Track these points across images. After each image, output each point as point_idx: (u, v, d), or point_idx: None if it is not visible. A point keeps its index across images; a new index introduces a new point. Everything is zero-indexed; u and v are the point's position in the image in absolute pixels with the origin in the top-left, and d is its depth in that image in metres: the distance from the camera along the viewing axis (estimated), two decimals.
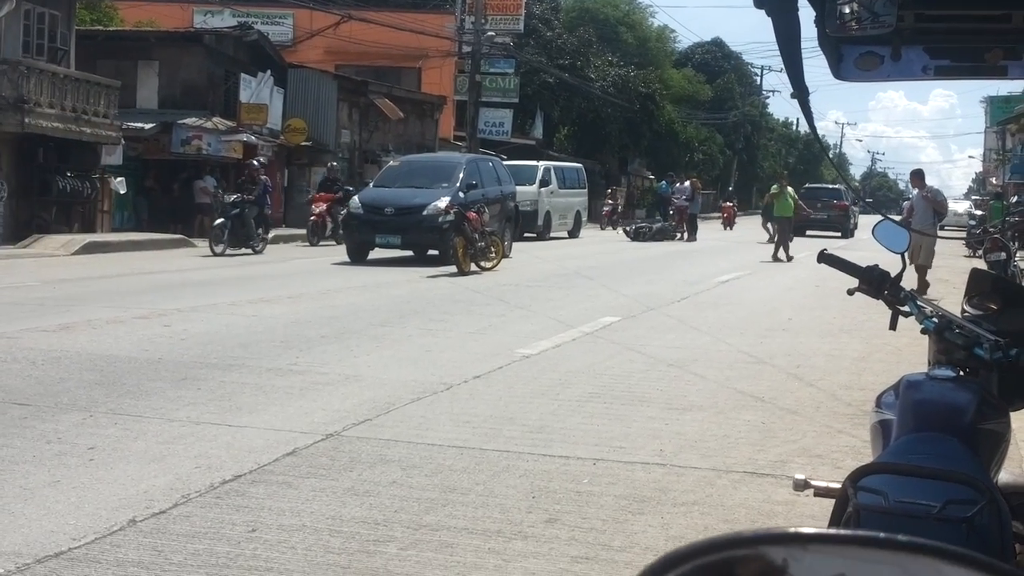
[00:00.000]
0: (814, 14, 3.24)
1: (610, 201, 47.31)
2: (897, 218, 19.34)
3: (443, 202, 20.78)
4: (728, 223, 47.78)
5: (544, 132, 54.02)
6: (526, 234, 31.79)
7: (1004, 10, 3.61)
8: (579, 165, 41.21)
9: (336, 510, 5.27)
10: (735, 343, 11.40)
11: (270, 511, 5.22)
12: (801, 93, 3.13)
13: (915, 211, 17.93)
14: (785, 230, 26.42)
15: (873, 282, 3.39)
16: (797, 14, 2.94)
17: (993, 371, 3.07)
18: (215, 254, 21.78)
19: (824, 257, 3.55)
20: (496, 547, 4.85)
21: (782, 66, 3.34)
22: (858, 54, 3.65)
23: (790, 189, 28.43)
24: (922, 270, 17.07)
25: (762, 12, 3.01)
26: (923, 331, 3.24)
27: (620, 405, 8.06)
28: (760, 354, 10.73)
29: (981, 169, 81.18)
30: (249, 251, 22.79)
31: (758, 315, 14.32)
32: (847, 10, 3.38)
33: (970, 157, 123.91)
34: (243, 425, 6.95)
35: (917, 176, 18.68)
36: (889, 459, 2.68)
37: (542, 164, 36.51)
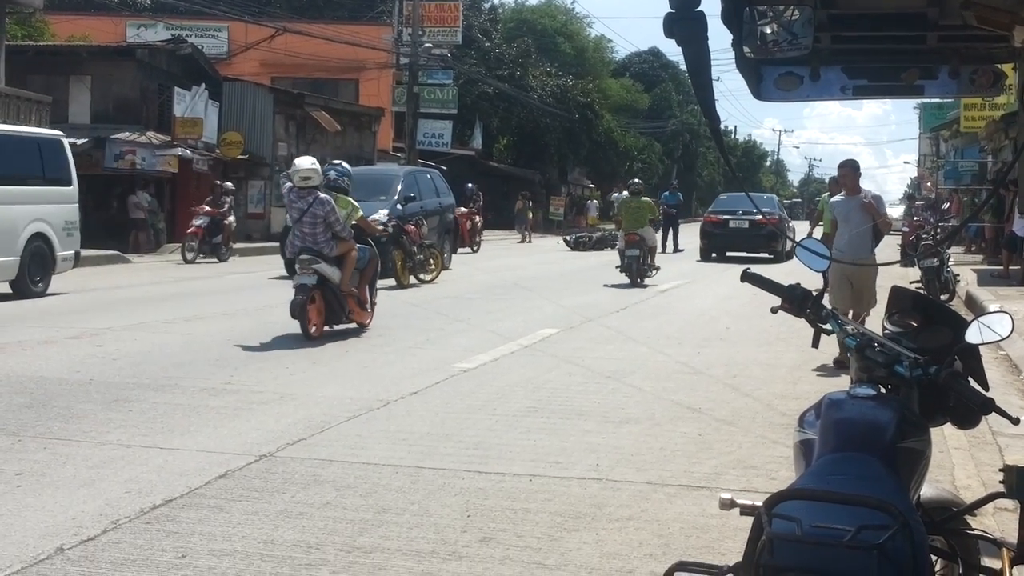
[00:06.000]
0: (732, 37, 3.26)
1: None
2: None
3: (382, 215, 20.66)
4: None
5: (483, 143, 54.07)
6: None
7: (918, 31, 3.67)
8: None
9: (268, 534, 5.21)
10: (673, 354, 11.45)
11: (201, 536, 5.15)
12: (712, 121, 3.15)
13: (848, 225, 11.08)
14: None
15: (795, 301, 3.40)
16: (707, 43, 2.95)
17: (913, 388, 3.09)
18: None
19: (747, 276, 3.56)
20: (430, 568, 4.82)
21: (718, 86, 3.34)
22: (777, 75, 3.69)
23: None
24: (858, 318, 10.68)
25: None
26: (844, 349, 3.27)
27: (557, 419, 8.06)
28: (697, 364, 10.79)
29: (916, 174, 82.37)
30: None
31: (696, 324, 14.40)
32: (767, 31, 3.41)
33: (905, 163, 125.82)
34: (175, 447, 6.87)
35: (851, 170, 11.30)
36: (806, 483, 2.69)
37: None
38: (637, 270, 20.38)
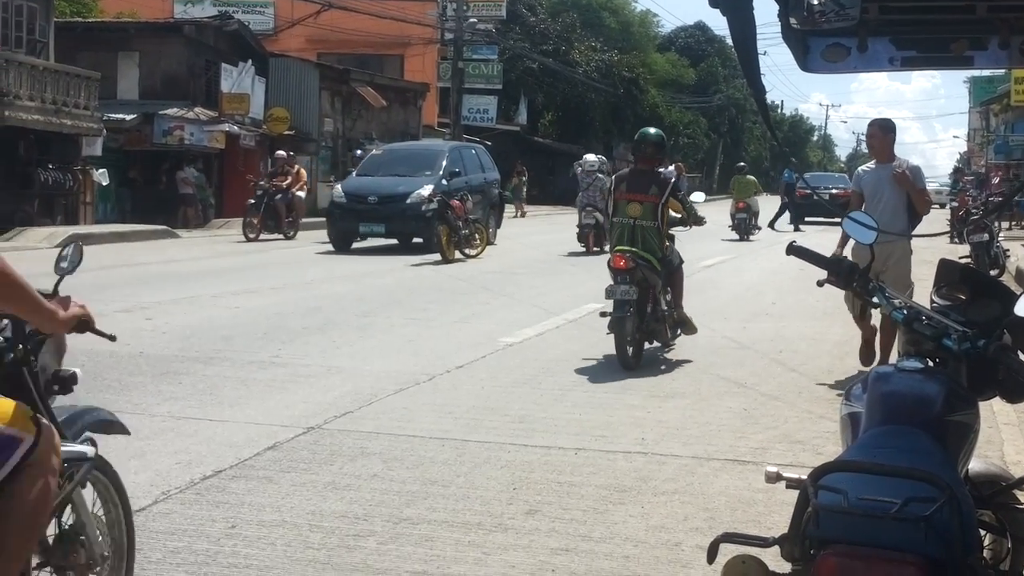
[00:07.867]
0: (777, 8, 3.23)
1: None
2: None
3: (427, 190, 20.73)
4: None
5: (528, 118, 53.98)
6: None
7: (968, 1, 3.62)
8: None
9: (316, 504, 5.27)
10: (719, 328, 11.40)
11: (250, 507, 5.22)
12: (758, 92, 3.13)
13: (875, 202, 8.59)
14: None
15: (842, 274, 3.39)
16: (752, 12, 2.93)
17: (962, 362, 3.07)
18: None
19: (793, 249, 3.55)
20: (476, 540, 4.86)
21: (758, 55, 3.31)
22: (824, 46, 3.65)
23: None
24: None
25: None
26: (892, 323, 3.25)
27: (603, 393, 8.08)
28: (743, 339, 10.76)
29: (966, 149, 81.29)
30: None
31: (742, 299, 14.34)
32: (814, 1, 3.38)
33: (955, 137, 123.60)
34: (224, 419, 6.95)
35: (879, 130, 8.87)
36: (853, 455, 2.69)
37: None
38: (745, 228, 27.40)
